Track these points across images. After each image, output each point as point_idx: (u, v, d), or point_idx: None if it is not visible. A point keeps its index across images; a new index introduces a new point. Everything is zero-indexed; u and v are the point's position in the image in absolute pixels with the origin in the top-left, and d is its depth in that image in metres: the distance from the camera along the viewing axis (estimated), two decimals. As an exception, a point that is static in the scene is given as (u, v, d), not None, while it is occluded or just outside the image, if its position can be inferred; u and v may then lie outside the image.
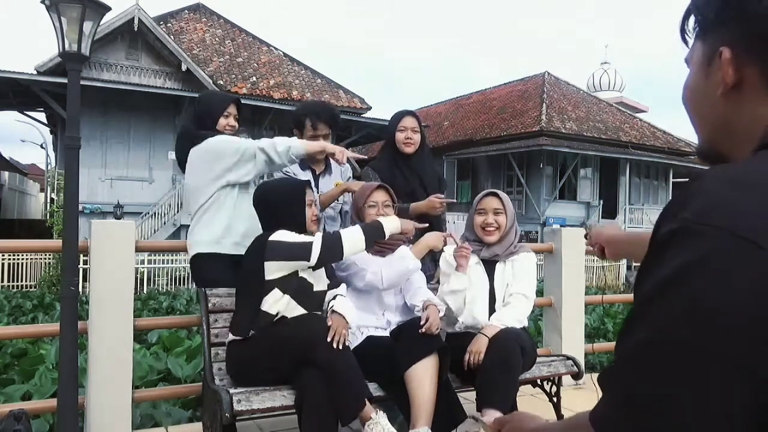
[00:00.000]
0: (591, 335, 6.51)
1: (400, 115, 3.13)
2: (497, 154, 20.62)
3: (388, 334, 2.52)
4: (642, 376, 0.55)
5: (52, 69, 14.53)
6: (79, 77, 2.49)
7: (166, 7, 22.72)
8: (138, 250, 2.80)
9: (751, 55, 0.65)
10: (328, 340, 2.14)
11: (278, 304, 2.24)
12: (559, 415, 2.71)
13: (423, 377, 2.26)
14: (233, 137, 2.76)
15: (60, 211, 13.07)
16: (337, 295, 2.40)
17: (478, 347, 2.45)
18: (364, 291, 2.54)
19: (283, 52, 20.49)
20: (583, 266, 3.98)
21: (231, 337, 2.32)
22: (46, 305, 9.02)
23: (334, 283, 2.46)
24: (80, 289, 3.27)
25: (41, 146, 26.34)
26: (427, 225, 2.66)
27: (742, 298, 0.51)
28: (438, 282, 2.86)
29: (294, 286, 2.27)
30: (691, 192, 0.58)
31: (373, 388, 2.28)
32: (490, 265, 2.72)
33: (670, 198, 0.62)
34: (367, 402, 2.15)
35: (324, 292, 2.40)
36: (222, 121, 2.78)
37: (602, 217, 20.32)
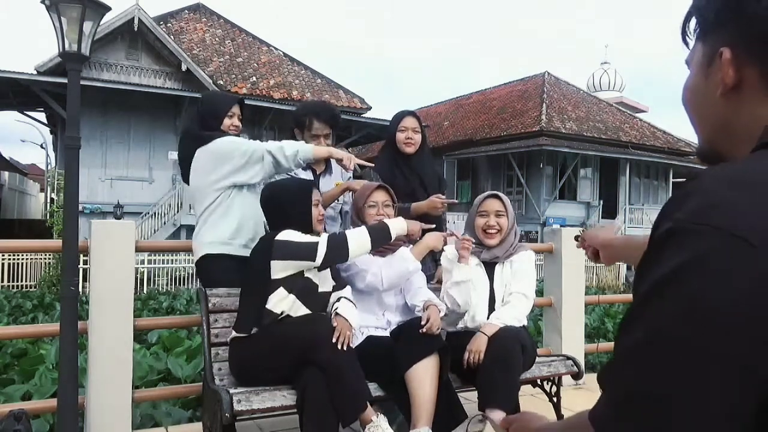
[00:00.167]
0: (591, 335, 6.51)
1: (400, 116, 3.13)
2: (497, 154, 20.62)
3: (388, 334, 2.52)
4: (640, 375, 0.55)
5: (52, 69, 14.53)
6: (79, 77, 2.49)
7: (166, 7, 22.75)
8: (138, 250, 2.80)
9: (750, 56, 0.65)
10: (333, 341, 2.14)
11: (283, 303, 2.25)
12: (559, 415, 2.71)
13: (423, 377, 2.26)
14: (241, 139, 2.75)
15: (60, 211, 13.07)
16: (341, 297, 2.40)
17: (478, 346, 2.45)
18: (365, 292, 2.54)
19: (283, 52, 20.49)
20: (583, 266, 3.98)
21: (234, 334, 2.32)
22: (46, 305, 9.03)
23: (339, 284, 2.46)
24: (80, 289, 3.27)
25: (41, 146, 26.36)
26: (434, 226, 2.65)
27: (740, 298, 0.51)
28: (439, 282, 2.86)
29: (299, 285, 2.27)
30: (688, 191, 0.58)
31: (373, 388, 2.28)
32: (489, 266, 2.72)
33: (669, 198, 0.62)
34: (368, 404, 2.15)
35: (329, 293, 2.41)
36: (226, 122, 2.77)
37: (602, 217, 20.32)
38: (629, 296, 6.01)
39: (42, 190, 29.33)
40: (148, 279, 12.66)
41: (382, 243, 2.41)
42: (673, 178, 22.56)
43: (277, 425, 2.81)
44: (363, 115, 18.25)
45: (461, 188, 22.22)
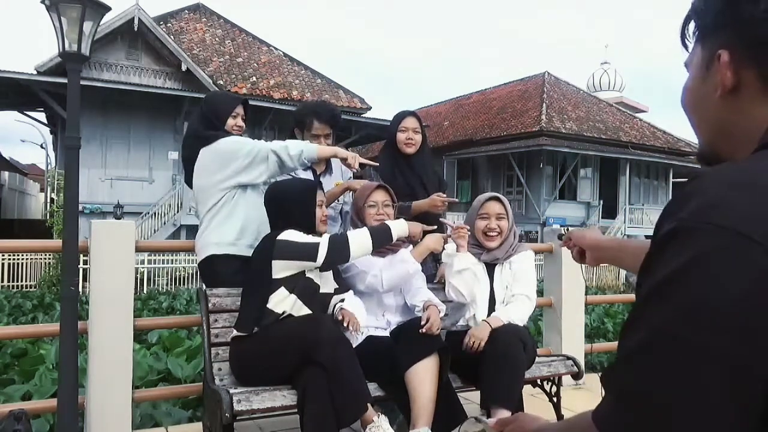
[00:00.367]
0: (591, 335, 6.51)
1: (401, 116, 3.13)
2: (497, 154, 20.62)
3: (389, 335, 2.52)
4: (643, 375, 0.55)
5: (52, 69, 14.53)
6: (79, 77, 2.49)
7: (166, 7, 22.71)
8: (138, 250, 2.80)
9: (748, 58, 0.66)
10: (345, 325, 2.17)
11: (284, 303, 2.25)
12: (559, 415, 2.71)
13: (423, 377, 2.26)
14: (246, 139, 2.74)
15: (60, 211, 13.07)
16: (343, 299, 2.40)
17: (480, 333, 2.46)
18: (365, 293, 2.54)
19: (283, 52, 20.49)
20: (583, 266, 3.98)
21: (234, 333, 2.32)
22: (46, 305, 9.03)
23: (342, 287, 2.47)
24: (80, 289, 3.27)
25: (41, 146, 26.37)
26: (435, 227, 2.65)
27: (742, 297, 0.51)
28: (441, 282, 2.86)
29: (301, 286, 2.28)
30: (690, 192, 0.58)
31: (373, 388, 2.28)
32: (489, 268, 2.72)
33: (670, 198, 0.62)
34: (369, 405, 2.15)
35: (330, 295, 2.41)
36: (230, 122, 2.77)
37: (602, 217, 20.32)
38: (629, 296, 6.02)
39: (42, 190, 29.33)
40: (148, 279, 12.66)
41: (384, 244, 2.42)
42: (673, 178, 22.56)
43: (277, 425, 2.81)
44: (363, 115, 18.24)
45: (461, 188, 22.22)
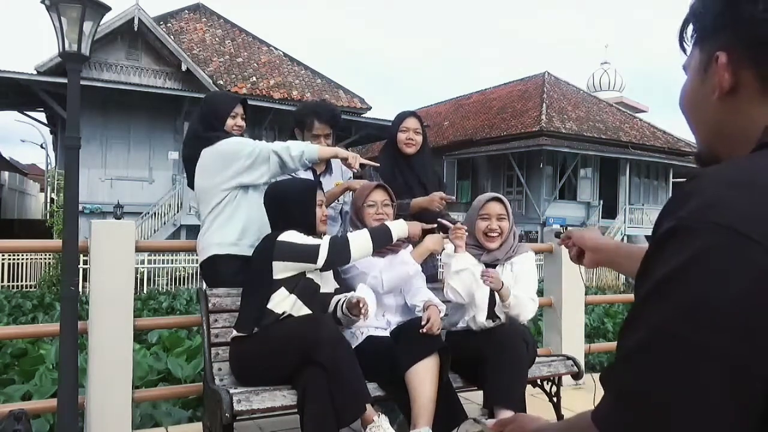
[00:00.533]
0: (591, 335, 6.51)
1: (403, 116, 3.16)
2: (497, 154, 20.62)
3: (388, 335, 2.52)
4: (642, 374, 0.55)
5: (52, 69, 14.53)
6: (79, 77, 2.49)
7: (166, 7, 22.70)
8: (138, 250, 2.79)
9: (747, 59, 0.66)
10: (360, 308, 2.19)
11: (284, 303, 2.26)
12: (559, 415, 2.71)
13: (424, 377, 2.26)
14: (247, 139, 2.74)
15: (60, 211, 13.07)
16: (341, 298, 2.40)
17: (498, 276, 2.52)
18: (365, 292, 2.55)
19: (283, 52, 20.49)
20: (582, 267, 3.97)
21: (234, 333, 2.32)
22: (46, 305, 9.03)
23: (343, 287, 2.47)
24: (80, 289, 3.27)
25: (41, 146, 26.36)
26: (435, 226, 2.66)
27: (741, 296, 0.51)
28: (441, 281, 2.86)
29: (301, 286, 2.28)
30: (689, 191, 0.59)
31: (373, 388, 2.28)
32: (489, 267, 2.71)
33: (669, 197, 0.62)
34: (369, 405, 2.15)
35: (331, 294, 2.41)
36: (229, 122, 2.76)
37: (602, 217, 20.32)
38: (629, 296, 6.02)
39: (42, 190, 29.33)
40: (148, 279, 12.65)
41: (384, 245, 2.42)
42: (673, 178, 22.56)
43: (277, 425, 2.81)
44: (363, 115, 18.24)
45: (461, 188, 22.22)
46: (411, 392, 2.26)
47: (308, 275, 2.31)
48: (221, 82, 17.77)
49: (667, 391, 0.53)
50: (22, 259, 13.44)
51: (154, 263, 12.78)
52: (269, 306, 2.24)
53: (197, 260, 2.83)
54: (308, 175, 2.99)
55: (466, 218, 2.81)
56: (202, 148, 2.69)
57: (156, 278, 12.93)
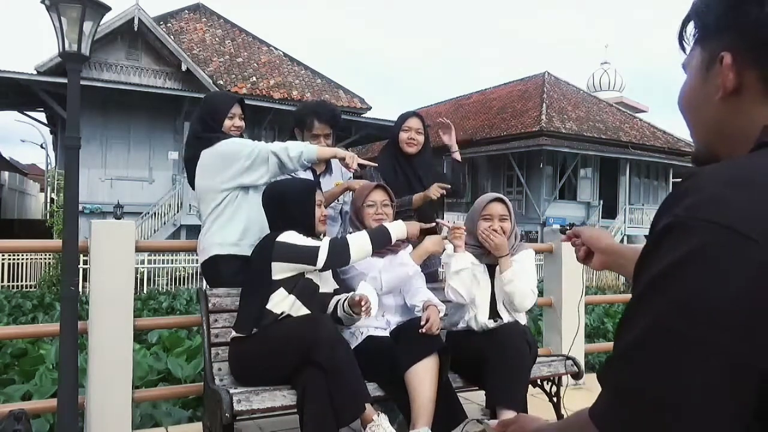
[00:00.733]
0: (591, 335, 6.51)
1: (405, 116, 3.19)
2: (497, 154, 20.61)
3: (388, 335, 2.52)
4: (638, 370, 0.56)
5: (52, 69, 14.53)
6: (79, 77, 2.49)
7: (166, 7, 22.72)
8: (138, 250, 2.79)
9: (751, 60, 0.66)
10: (363, 305, 2.18)
11: (283, 303, 2.26)
12: (559, 415, 2.71)
13: (423, 377, 2.26)
14: (246, 140, 2.75)
15: (60, 211, 13.07)
16: (341, 297, 2.40)
17: (501, 242, 2.57)
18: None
19: (283, 52, 20.49)
20: (583, 266, 3.97)
21: (234, 334, 2.32)
22: (46, 305, 9.03)
23: (343, 288, 2.47)
24: (80, 289, 3.27)
25: (41, 146, 26.38)
26: (433, 225, 2.67)
27: (737, 292, 0.52)
28: (442, 281, 2.87)
29: (300, 286, 2.28)
30: (686, 188, 0.59)
31: (373, 388, 2.28)
32: (490, 268, 2.71)
33: (667, 195, 0.63)
34: (368, 404, 2.15)
35: (330, 294, 2.41)
36: (227, 123, 2.76)
37: (602, 217, 20.32)
38: (629, 296, 5.98)
39: (42, 190, 29.34)
40: (148, 279, 12.65)
41: (383, 246, 2.44)
42: (673, 178, 22.55)
43: (277, 425, 2.81)
44: (363, 115, 18.23)
45: (461, 188, 22.18)
46: (410, 392, 2.26)
47: (307, 275, 2.31)
48: (221, 82, 17.77)
49: (663, 387, 0.53)
50: (22, 259, 13.45)
51: (154, 263, 12.78)
52: (268, 306, 2.24)
53: (197, 260, 2.83)
54: (308, 175, 2.99)
55: (467, 218, 2.81)
56: (202, 149, 2.70)
57: (156, 278, 12.93)
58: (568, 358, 2.83)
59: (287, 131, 3.37)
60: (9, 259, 13.21)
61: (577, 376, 2.76)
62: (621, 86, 34.00)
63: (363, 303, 2.21)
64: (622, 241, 17.16)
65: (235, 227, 2.66)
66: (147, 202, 15.37)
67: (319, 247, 2.25)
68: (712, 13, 0.69)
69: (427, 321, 2.35)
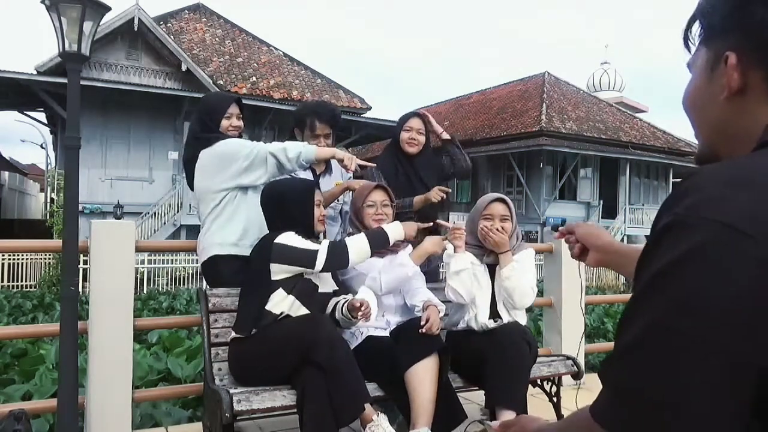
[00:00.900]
0: (591, 335, 6.51)
1: (408, 116, 3.21)
2: (497, 154, 20.61)
3: (388, 335, 2.52)
4: (638, 367, 0.56)
5: (52, 69, 14.52)
6: (79, 77, 2.49)
7: (166, 7, 22.71)
8: (138, 250, 2.79)
9: (756, 60, 0.66)
10: (362, 310, 2.18)
11: (283, 304, 2.26)
12: (559, 415, 2.71)
13: (423, 377, 2.26)
14: (244, 141, 2.75)
15: (60, 211, 13.07)
16: (340, 300, 2.40)
17: (501, 239, 2.58)
18: (364, 293, 2.54)
19: (283, 52, 20.48)
20: (583, 266, 3.97)
21: (233, 334, 2.32)
22: (46, 305, 9.03)
23: (342, 288, 2.47)
24: (80, 289, 3.26)
25: (41, 146, 26.37)
26: (431, 224, 2.67)
27: (737, 290, 0.52)
28: (443, 280, 2.87)
29: (299, 287, 2.29)
30: (686, 188, 0.59)
31: (373, 388, 2.28)
32: (491, 268, 2.71)
33: (668, 194, 0.63)
34: (368, 404, 2.15)
35: (329, 294, 2.41)
36: (224, 123, 2.76)
37: (602, 217, 20.32)
38: (629, 296, 5.98)
39: (42, 190, 29.33)
40: (148, 279, 12.65)
41: (381, 248, 2.44)
42: (673, 178, 22.55)
43: (277, 425, 2.81)
44: (363, 115, 18.23)
45: (461, 188, 22.21)
46: (410, 392, 2.26)
47: (306, 276, 2.31)
48: (221, 82, 17.77)
49: (662, 385, 0.53)
50: (22, 259, 13.44)
51: (154, 263, 12.78)
52: (267, 307, 2.24)
53: (197, 260, 2.83)
54: (308, 175, 2.99)
55: (468, 218, 2.82)
56: (201, 150, 2.70)
57: (156, 278, 12.93)
58: (568, 358, 2.83)
59: (287, 131, 3.38)
60: (9, 259, 13.21)
61: (577, 376, 2.76)
62: (621, 86, 33.99)
63: (363, 308, 2.21)
64: (622, 241, 17.15)
65: (234, 227, 2.66)
66: (147, 202, 15.37)
67: (317, 250, 2.26)
68: (717, 14, 0.69)
69: (427, 321, 2.35)
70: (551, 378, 2.76)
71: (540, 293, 3.67)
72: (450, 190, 2.99)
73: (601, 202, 20.84)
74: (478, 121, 23.61)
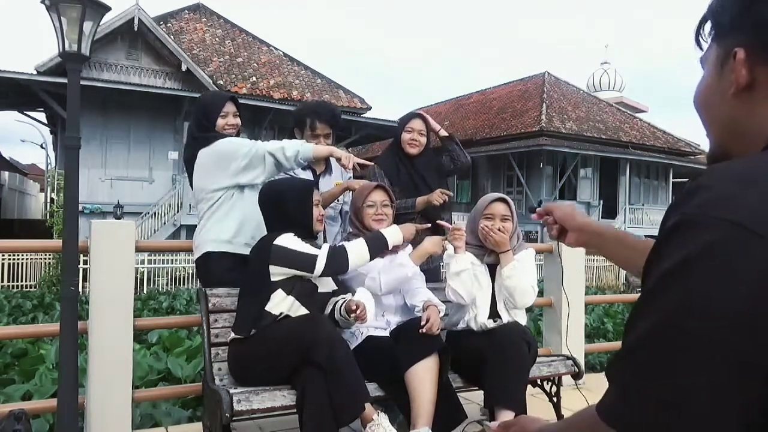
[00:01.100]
0: (591, 335, 6.51)
1: (409, 117, 3.21)
2: (497, 154, 20.62)
3: (388, 335, 2.52)
4: (645, 366, 0.56)
5: (52, 69, 14.52)
6: (79, 77, 2.49)
7: (166, 7, 22.70)
8: (138, 250, 2.79)
9: (763, 59, 0.66)
10: (357, 312, 2.19)
11: (282, 304, 2.26)
12: (559, 415, 2.71)
13: (423, 377, 2.26)
14: (242, 140, 2.75)
15: (60, 211, 13.07)
16: (339, 300, 2.40)
17: (500, 238, 2.57)
18: (364, 293, 2.54)
19: (283, 52, 20.48)
20: (583, 266, 3.97)
21: (233, 335, 2.32)
22: (46, 305, 9.02)
23: (342, 288, 2.47)
24: (80, 289, 3.27)
25: (41, 146, 26.37)
26: (429, 225, 2.67)
27: (745, 289, 0.51)
28: (444, 280, 2.87)
29: (298, 287, 2.29)
30: (696, 186, 0.59)
31: (373, 388, 2.28)
32: (491, 268, 2.71)
33: (678, 193, 0.63)
34: (368, 403, 2.15)
35: (329, 294, 2.41)
36: (220, 122, 2.76)
37: (602, 217, 20.32)
38: (629, 296, 6.02)
39: (42, 190, 29.33)
40: (148, 279, 12.65)
41: (380, 252, 2.44)
42: (673, 178, 22.56)
43: (277, 425, 2.81)
44: (363, 115, 18.23)
45: (461, 188, 22.22)
46: (410, 392, 2.26)
47: (305, 277, 2.31)
48: (221, 82, 17.77)
49: (668, 385, 0.53)
50: (22, 259, 13.44)
51: (154, 263, 12.78)
52: (267, 308, 2.24)
53: (193, 257, 2.83)
54: (308, 175, 2.99)
55: (469, 218, 2.81)
56: (200, 149, 2.70)
57: (156, 278, 12.93)
58: (568, 358, 2.83)
59: (287, 131, 3.38)
60: (9, 259, 13.21)
61: (577, 376, 2.76)
62: (621, 86, 33.99)
63: (359, 311, 2.21)
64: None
65: (229, 224, 2.66)
66: (147, 202, 15.37)
67: (317, 255, 2.25)
68: (727, 14, 0.70)
69: (427, 321, 2.35)
70: (551, 378, 2.76)
71: (540, 293, 3.66)
72: (452, 193, 2.99)
73: (601, 202, 20.85)
74: (478, 121, 23.61)
